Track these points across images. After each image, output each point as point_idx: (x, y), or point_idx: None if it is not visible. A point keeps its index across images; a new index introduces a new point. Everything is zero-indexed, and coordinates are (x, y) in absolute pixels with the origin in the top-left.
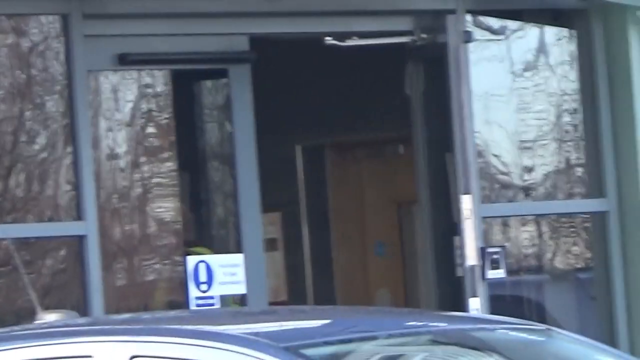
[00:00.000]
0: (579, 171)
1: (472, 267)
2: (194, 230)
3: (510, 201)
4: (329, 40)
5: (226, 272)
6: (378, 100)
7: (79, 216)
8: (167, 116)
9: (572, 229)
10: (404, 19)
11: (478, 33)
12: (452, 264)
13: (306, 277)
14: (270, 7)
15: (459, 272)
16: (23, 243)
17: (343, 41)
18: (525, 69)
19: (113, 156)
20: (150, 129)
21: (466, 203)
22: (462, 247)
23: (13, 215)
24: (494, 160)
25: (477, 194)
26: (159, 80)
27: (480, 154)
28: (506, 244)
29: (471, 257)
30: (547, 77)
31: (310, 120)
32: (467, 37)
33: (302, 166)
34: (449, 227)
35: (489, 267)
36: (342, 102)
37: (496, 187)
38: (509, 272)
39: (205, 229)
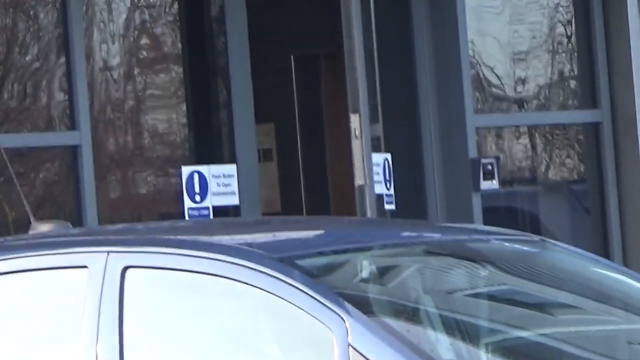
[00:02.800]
0: (572, 82)
1: (361, 186)
2: (188, 141)
3: (503, 112)
4: None
5: (220, 183)
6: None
7: (72, 126)
8: (161, 27)
9: (566, 141)
10: None
11: None
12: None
13: (300, 188)
14: None
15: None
16: (17, 154)
17: None
18: None
19: (107, 67)
20: (144, 40)
21: (354, 122)
22: (351, 165)
23: (6, 126)
24: (487, 72)
25: (469, 104)
26: None
27: (472, 66)
28: (500, 154)
29: (359, 176)
30: None
31: (303, 29)
32: None
33: (295, 76)
34: None
35: (483, 178)
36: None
37: (489, 99)
38: (503, 183)
39: (199, 140)
